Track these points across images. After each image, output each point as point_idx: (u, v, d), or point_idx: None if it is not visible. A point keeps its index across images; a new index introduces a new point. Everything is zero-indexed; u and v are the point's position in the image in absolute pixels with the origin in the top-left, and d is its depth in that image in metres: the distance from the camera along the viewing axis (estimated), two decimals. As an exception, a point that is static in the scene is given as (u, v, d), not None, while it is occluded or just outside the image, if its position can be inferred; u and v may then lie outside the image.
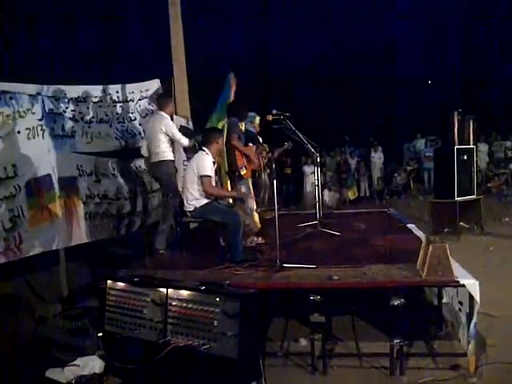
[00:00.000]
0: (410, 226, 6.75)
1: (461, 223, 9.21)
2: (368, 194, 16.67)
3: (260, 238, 6.07)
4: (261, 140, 6.80)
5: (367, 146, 17.62)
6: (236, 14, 24.97)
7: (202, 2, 19.55)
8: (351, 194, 15.95)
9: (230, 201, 5.85)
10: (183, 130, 8.49)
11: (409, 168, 17.33)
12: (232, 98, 7.04)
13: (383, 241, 5.78)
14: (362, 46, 24.64)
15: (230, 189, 6.31)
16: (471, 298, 3.87)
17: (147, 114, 7.60)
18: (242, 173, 6.08)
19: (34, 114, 5.66)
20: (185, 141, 5.98)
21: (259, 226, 6.33)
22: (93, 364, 3.22)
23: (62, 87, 6.25)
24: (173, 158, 6.09)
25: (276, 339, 4.64)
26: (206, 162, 5.18)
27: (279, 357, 4.35)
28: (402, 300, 3.91)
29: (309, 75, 24.70)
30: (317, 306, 3.98)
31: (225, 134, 6.09)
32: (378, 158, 17.00)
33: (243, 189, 6.10)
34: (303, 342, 4.51)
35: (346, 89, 24.73)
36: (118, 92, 7.18)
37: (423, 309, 5.25)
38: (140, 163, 7.36)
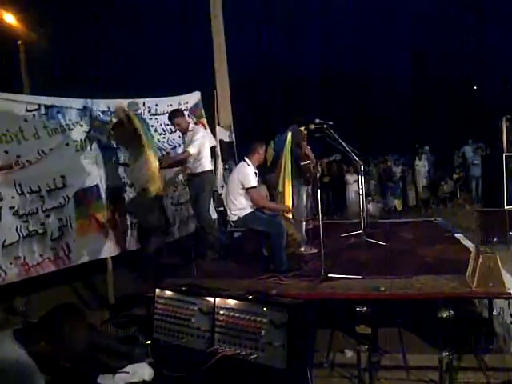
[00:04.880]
0: (457, 235, 6.61)
1: (510, 233, 8.92)
2: (415, 203, 16.25)
3: (312, 248, 5.98)
4: (308, 149, 6.64)
5: (412, 153, 17.22)
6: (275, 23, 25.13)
7: (242, 11, 19.79)
8: (399, 205, 15.56)
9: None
10: (224, 144, 8.56)
11: (455, 176, 16.86)
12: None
13: (430, 251, 5.68)
14: (410, 48, 24.36)
15: (291, 196, 6.02)
16: (524, 310, 3.76)
17: None
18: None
19: (82, 126, 5.85)
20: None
21: (304, 235, 6.28)
22: (142, 371, 3.26)
23: (107, 101, 6.42)
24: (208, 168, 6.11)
25: (321, 350, 4.61)
26: (248, 173, 5.24)
27: (325, 368, 4.33)
28: (451, 312, 3.82)
29: (352, 82, 24.54)
30: (363, 317, 3.93)
31: (289, 143, 6.01)
32: (422, 165, 16.52)
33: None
34: (349, 353, 4.47)
35: (390, 96, 24.43)
36: (157, 105, 7.29)
37: (473, 321, 5.11)
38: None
